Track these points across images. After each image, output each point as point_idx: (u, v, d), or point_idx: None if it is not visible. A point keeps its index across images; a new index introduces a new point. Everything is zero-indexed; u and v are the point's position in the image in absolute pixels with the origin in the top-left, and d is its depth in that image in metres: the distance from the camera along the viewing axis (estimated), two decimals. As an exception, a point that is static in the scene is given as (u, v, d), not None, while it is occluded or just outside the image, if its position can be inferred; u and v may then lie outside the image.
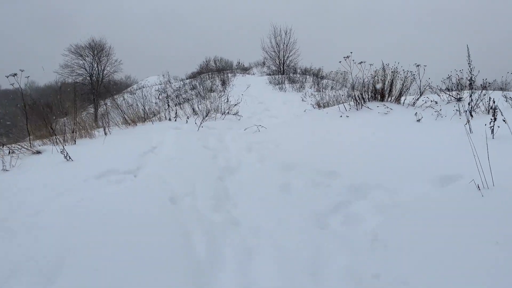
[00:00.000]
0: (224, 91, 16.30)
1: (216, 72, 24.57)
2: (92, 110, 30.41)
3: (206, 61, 32.40)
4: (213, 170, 4.64)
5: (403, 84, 6.75)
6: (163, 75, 34.70)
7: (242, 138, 6.44)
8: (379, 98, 6.89)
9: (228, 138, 6.50)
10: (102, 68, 32.22)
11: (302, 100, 13.52)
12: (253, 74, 26.76)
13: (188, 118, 7.84)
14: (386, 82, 6.77)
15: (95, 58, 31.79)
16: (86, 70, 31.42)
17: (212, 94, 15.77)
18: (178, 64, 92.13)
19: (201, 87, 19.28)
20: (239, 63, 31.47)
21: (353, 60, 6.48)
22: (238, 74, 23.91)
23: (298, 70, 23.90)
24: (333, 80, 19.02)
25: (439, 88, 6.49)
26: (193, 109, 9.30)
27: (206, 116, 8.18)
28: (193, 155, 5.13)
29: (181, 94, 18.84)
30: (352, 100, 6.98)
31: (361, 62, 6.56)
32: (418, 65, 6.49)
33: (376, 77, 6.83)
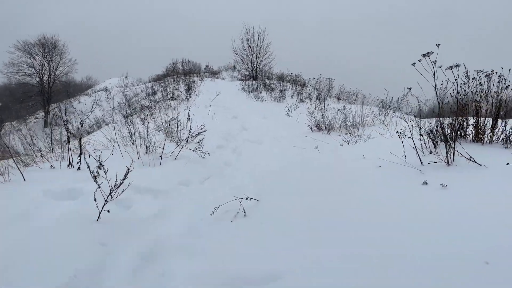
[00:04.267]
0: (188, 99, 12.43)
1: (182, 76, 20.54)
2: (42, 115, 25.75)
3: (173, 63, 28.31)
4: None
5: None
6: (126, 77, 30.48)
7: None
8: (472, 136, 3.38)
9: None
10: (54, 67, 27.24)
11: (287, 114, 9.93)
12: (223, 78, 22.93)
13: (101, 169, 3.88)
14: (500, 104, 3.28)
15: (46, 57, 26.76)
16: (35, 69, 26.36)
17: (172, 102, 11.90)
18: (146, 66, 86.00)
19: (163, 93, 15.30)
20: (208, 66, 27.53)
21: (434, 62, 2.90)
22: (206, 78, 20.00)
23: (273, 76, 20.32)
24: (314, 88, 15.56)
25: None
26: (130, 136, 5.43)
27: (146, 152, 4.42)
28: None
29: (135, 103, 14.81)
30: (427, 137, 3.41)
31: (455, 65, 2.99)
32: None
33: (481, 93, 3.33)
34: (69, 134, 4.21)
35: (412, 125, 3.50)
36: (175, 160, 4.68)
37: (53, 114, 24.57)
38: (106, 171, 2.80)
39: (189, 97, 12.84)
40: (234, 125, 8.65)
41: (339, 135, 6.34)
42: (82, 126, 4.54)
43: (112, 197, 2.79)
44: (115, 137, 5.12)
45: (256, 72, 21.22)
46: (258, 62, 21.35)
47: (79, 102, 25.36)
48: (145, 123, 4.91)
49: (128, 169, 2.87)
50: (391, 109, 8.11)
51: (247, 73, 21.77)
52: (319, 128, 7.11)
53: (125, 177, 2.80)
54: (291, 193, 3.23)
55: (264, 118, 9.89)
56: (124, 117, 10.63)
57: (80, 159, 3.86)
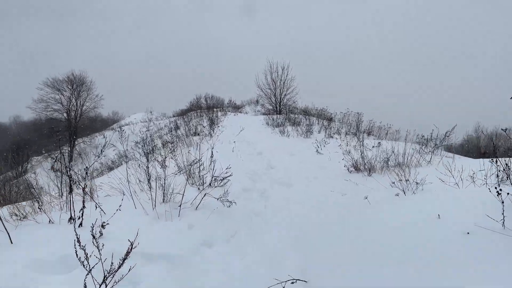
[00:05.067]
0: (211, 135, 11.87)
1: (205, 110, 20.23)
2: (67, 150, 25.86)
3: (197, 98, 28.44)
4: None
5: None
6: (150, 112, 30.75)
7: None
8: None
9: None
10: (81, 103, 27.66)
11: (317, 151, 9.12)
12: (246, 113, 22.56)
13: (104, 228, 3.13)
14: None
15: (73, 93, 27.27)
16: (62, 105, 26.80)
17: (195, 138, 11.36)
18: (171, 102, 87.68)
19: (186, 127, 14.87)
20: (231, 100, 27.40)
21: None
22: (229, 113, 19.63)
23: (297, 110, 19.73)
24: (342, 123, 14.75)
25: None
26: (148, 178, 4.74)
27: (162, 201, 3.71)
28: None
29: (155, 138, 14.40)
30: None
31: None
32: None
33: None
34: (71, 182, 3.57)
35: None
36: (196, 211, 3.94)
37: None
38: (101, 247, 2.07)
39: (212, 132, 12.29)
40: (260, 163, 7.92)
41: (383, 177, 5.48)
42: (87, 173, 3.90)
43: (113, 275, 2.03)
44: (128, 181, 4.45)
45: (280, 106, 20.73)
46: (282, 96, 20.92)
47: (104, 137, 25.45)
48: (163, 167, 4.22)
49: (132, 245, 2.12)
50: (436, 146, 7.19)
51: (270, 107, 21.32)
52: (357, 168, 6.25)
53: (125, 256, 2.03)
54: (348, 268, 2.39)
55: (291, 155, 9.13)
56: (144, 154, 10.16)
57: (82, 214, 3.17)
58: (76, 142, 25.97)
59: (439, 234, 2.42)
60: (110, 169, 13.44)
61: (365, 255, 2.47)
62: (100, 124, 33.75)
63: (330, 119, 15.56)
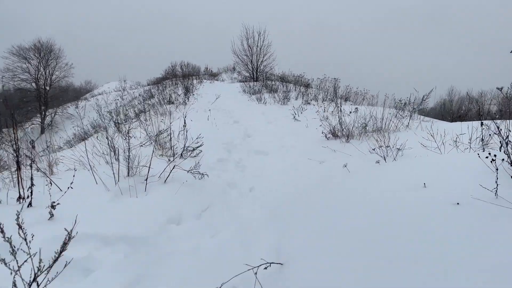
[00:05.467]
0: (186, 103, 11.34)
1: (180, 78, 19.36)
2: (38, 121, 24.59)
3: (172, 66, 27.27)
4: None
5: None
6: (124, 81, 29.40)
7: None
8: None
9: None
10: (50, 72, 26.07)
11: (294, 118, 8.84)
12: (223, 80, 21.81)
13: (54, 208, 2.74)
14: None
15: (41, 61, 25.61)
16: (30, 74, 25.19)
17: (168, 107, 10.81)
18: (145, 70, 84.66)
19: (160, 96, 14.20)
20: (207, 68, 26.39)
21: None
22: (205, 81, 18.91)
23: (275, 77, 19.23)
24: (319, 89, 14.41)
25: None
26: (114, 151, 4.33)
27: (127, 175, 3.35)
28: None
29: (128, 108, 13.73)
30: None
31: None
32: None
33: None
34: (19, 158, 3.13)
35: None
36: (165, 184, 3.60)
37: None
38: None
39: (187, 100, 11.74)
40: (236, 132, 7.58)
41: (361, 143, 5.27)
42: (33, 147, 3.45)
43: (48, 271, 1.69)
44: (87, 154, 4.04)
45: (257, 73, 20.12)
46: (259, 63, 20.24)
47: (77, 107, 24.32)
48: (127, 137, 3.81)
49: (71, 232, 1.78)
50: (414, 110, 7.01)
51: (247, 74, 20.67)
52: (334, 135, 6.02)
53: (62, 249, 1.66)
54: (329, 247, 2.15)
55: (268, 123, 8.82)
56: (114, 124, 9.58)
57: (31, 193, 2.78)
58: (47, 113, 24.69)
59: (426, 205, 2.20)
60: (83, 140, 12.79)
61: (344, 232, 2.24)
62: (73, 94, 32.14)
63: (307, 86, 15.22)
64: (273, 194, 3.73)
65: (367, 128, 5.91)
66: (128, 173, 3.64)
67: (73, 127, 16.53)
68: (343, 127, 5.95)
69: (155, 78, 27.47)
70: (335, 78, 13.83)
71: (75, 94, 32.39)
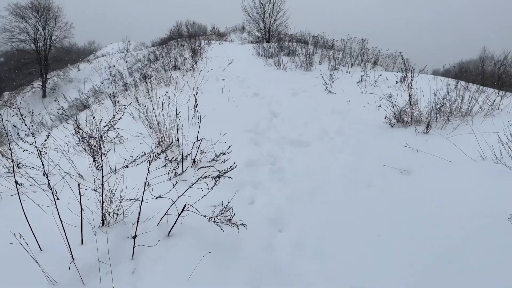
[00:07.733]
0: (194, 69, 9.47)
1: (186, 39, 17.16)
2: (39, 84, 22.75)
3: (177, 25, 24.80)
4: None
5: None
6: (128, 41, 27.02)
7: None
8: None
9: None
10: (50, 33, 23.75)
11: (327, 89, 7.03)
12: (232, 41, 19.57)
13: None
14: None
15: (39, 21, 23.24)
16: (28, 34, 22.93)
17: (174, 74, 8.99)
18: (150, 30, 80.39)
19: (164, 60, 12.27)
20: (214, 27, 23.92)
21: None
22: (213, 41, 16.76)
23: (287, 37, 16.97)
24: (344, 52, 12.29)
25: None
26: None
27: (102, 224, 1.74)
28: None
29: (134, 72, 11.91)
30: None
31: None
32: None
33: None
34: None
35: None
36: (169, 241, 1.97)
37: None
38: None
39: (195, 66, 9.84)
40: (259, 109, 5.85)
41: (449, 135, 3.53)
42: None
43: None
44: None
45: (269, 33, 17.86)
46: (272, 22, 17.92)
47: (79, 70, 22.40)
48: (101, 158, 2.11)
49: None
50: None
51: (259, 34, 18.41)
52: (400, 120, 4.28)
53: None
54: None
55: (294, 94, 7.03)
56: (109, 97, 7.84)
57: None
58: (48, 76, 22.78)
59: None
60: (85, 107, 11.13)
61: None
62: (76, 55, 29.94)
63: (331, 47, 13.09)
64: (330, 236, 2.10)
65: (442, 109, 4.14)
66: (103, 221, 2.00)
67: (76, 91, 14.80)
68: (414, 110, 4.18)
69: (159, 39, 25.12)
70: (362, 38, 11.76)
71: (79, 55, 30.18)
